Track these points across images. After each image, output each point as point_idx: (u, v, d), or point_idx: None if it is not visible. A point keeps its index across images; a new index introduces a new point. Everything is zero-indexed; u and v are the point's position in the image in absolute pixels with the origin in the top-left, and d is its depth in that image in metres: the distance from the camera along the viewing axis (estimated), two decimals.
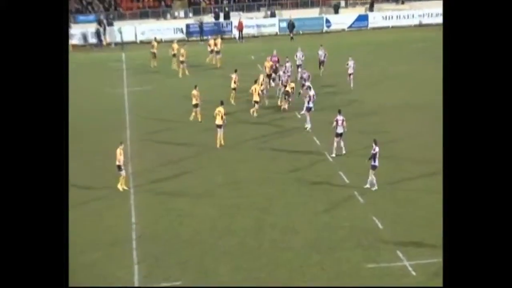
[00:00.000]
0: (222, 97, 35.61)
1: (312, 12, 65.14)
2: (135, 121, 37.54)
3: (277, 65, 43.50)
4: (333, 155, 31.25)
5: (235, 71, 40.10)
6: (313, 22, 63.46)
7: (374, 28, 62.93)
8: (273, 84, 41.96)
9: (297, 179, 29.01)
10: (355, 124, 33.92)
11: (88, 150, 32.77)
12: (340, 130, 31.16)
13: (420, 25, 62.98)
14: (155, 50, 50.20)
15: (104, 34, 59.55)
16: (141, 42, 59.49)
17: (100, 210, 26.38)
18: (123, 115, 38.63)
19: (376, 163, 27.43)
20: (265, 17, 64.45)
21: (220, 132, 32.90)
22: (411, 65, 48.22)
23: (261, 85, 38.79)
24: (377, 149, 27.40)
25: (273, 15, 64.24)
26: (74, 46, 56.53)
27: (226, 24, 62.24)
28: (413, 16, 63.83)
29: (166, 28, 60.71)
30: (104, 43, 59.36)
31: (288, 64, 42.14)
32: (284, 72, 40.65)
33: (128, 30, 60.22)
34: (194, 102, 36.52)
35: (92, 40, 59.26)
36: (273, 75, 42.12)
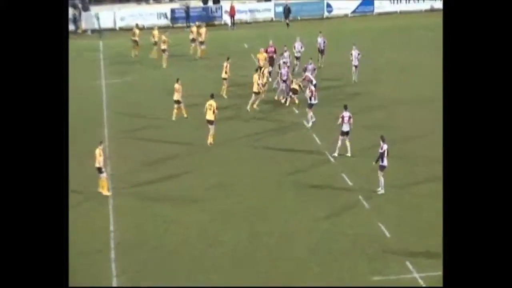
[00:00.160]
0: (211, 90, 35.69)
1: None
2: (114, 117, 37.57)
3: (274, 56, 43.57)
4: (335, 154, 31.43)
5: (227, 59, 40.25)
6: (312, 6, 63.55)
7: (380, 14, 63.07)
8: (269, 78, 41.99)
9: (295, 181, 29.15)
10: (359, 120, 33.98)
11: None
12: (346, 128, 31.27)
13: (432, 10, 63.10)
14: (136, 38, 50.23)
15: (79, 20, 59.56)
16: (121, 29, 59.45)
17: (74, 217, 26.30)
18: (100, 111, 38.69)
19: (385, 163, 27.56)
20: (259, 1, 64.52)
21: (211, 129, 33.05)
22: (421, 55, 48.34)
23: (263, 76, 38.90)
24: (385, 147, 27.52)
25: None
26: None
27: (216, 9, 62.26)
28: (423, 0, 64.07)
29: (149, 13, 60.65)
30: (79, 30, 59.37)
31: (286, 54, 42.26)
32: (284, 63, 40.74)
33: (106, 15, 60.15)
34: (175, 97, 36.51)
35: None
36: (270, 68, 42.06)
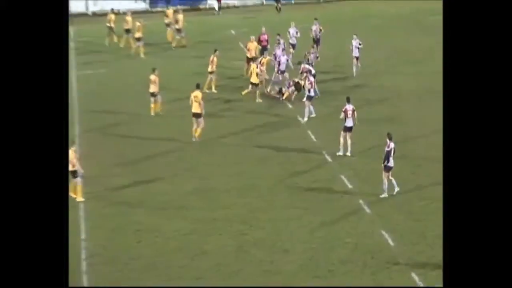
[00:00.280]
0: (193, 82, 35.50)
1: None
2: (85, 113, 37.50)
3: (268, 46, 43.39)
4: (340, 153, 31.32)
5: (215, 51, 39.97)
6: None
7: None
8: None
9: (288, 185, 29.06)
10: (361, 116, 33.86)
11: None
12: (349, 123, 31.07)
13: None
14: (112, 25, 50.07)
15: None
16: (94, 14, 59.41)
17: None
18: (70, 105, 38.44)
19: (391, 163, 27.43)
20: None
21: (197, 123, 32.96)
22: (432, 42, 48.28)
23: (262, 65, 38.70)
24: (392, 145, 27.40)
25: None
26: None
27: None
28: None
29: None
30: None
31: (281, 41, 42.14)
32: (282, 50, 40.57)
33: None
34: (152, 89, 36.37)
35: None
36: (255, 63, 41.72)
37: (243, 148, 32.80)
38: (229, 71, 42.96)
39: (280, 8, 59.87)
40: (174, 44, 49.57)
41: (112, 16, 50.46)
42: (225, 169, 30.69)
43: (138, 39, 47.17)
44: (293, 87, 38.36)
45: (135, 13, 53.32)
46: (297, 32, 45.25)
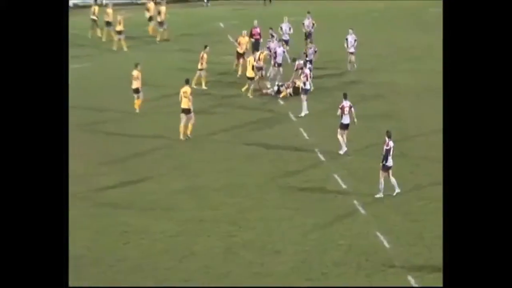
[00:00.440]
0: (180, 76, 35.65)
1: None
2: (70, 109, 37.21)
3: (260, 40, 43.44)
4: (341, 151, 31.51)
5: (205, 47, 40.02)
6: None
7: None
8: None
9: (279, 184, 29.16)
10: (357, 112, 33.92)
11: None
12: (346, 120, 31.22)
13: None
14: (95, 17, 50.08)
15: None
16: (76, 6, 59.29)
17: None
18: None
19: (390, 163, 27.55)
20: None
21: (185, 119, 33.11)
22: (431, 38, 48.39)
23: (260, 60, 38.83)
24: (391, 144, 27.53)
25: None
26: None
27: None
28: None
29: None
30: None
31: (275, 35, 42.24)
32: (279, 41, 40.61)
33: None
34: (135, 86, 36.48)
35: None
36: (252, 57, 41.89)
37: (233, 145, 32.90)
38: (218, 66, 42.99)
39: (270, 1, 59.86)
40: (158, 38, 49.63)
41: (96, 8, 50.51)
42: (214, 167, 30.78)
43: (119, 32, 47.22)
44: (291, 89, 38.51)
45: (119, 5, 53.28)
46: (290, 28, 45.24)
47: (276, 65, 40.27)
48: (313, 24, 46.31)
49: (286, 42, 44.72)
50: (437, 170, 29.39)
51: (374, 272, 23.04)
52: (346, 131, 31.29)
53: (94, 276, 23.21)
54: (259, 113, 36.61)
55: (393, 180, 27.74)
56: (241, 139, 33.56)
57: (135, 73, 36.31)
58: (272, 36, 42.09)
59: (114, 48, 47.34)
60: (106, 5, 50.99)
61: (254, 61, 38.40)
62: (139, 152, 32.32)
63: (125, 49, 46.94)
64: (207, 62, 39.69)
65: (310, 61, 39.98)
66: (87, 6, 53.36)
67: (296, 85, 38.25)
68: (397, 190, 27.78)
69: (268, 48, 41.01)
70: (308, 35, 45.99)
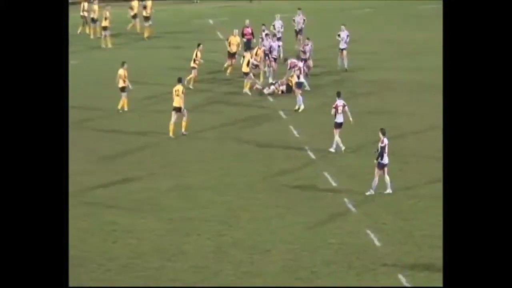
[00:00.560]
0: (169, 74, 35.69)
1: None
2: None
3: (253, 39, 43.32)
4: (332, 149, 31.53)
5: (198, 45, 39.97)
6: None
7: None
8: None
9: (269, 182, 29.21)
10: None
11: None
12: (340, 119, 31.31)
13: None
14: (85, 13, 50.10)
15: None
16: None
17: None
18: None
19: (385, 160, 27.59)
20: None
21: (175, 117, 33.18)
22: (424, 34, 48.43)
23: (256, 55, 38.84)
24: (385, 141, 27.59)
25: None
26: None
27: None
28: None
29: None
30: None
31: (268, 32, 42.14)
32: (273, 36, 40.57)
33: None
34: (121, 84, 36.52)
35: None
36: (249, 53, 41.78)
37: (223, 143, 32.94)
38: (207, 63, 42.90)
39: None
40: (146, 35, 49.62)
41: (85, 4, 50.55)
42: (204, 165, 30.80)
43: (105, 28, 47.21)
44: (284, 87, 38.57)
45: (106, 1, 53.19)
46: (282, 26, 45.10)
47: (272, 60, 40.14)
48: (304, 20, 46.17)
49: (279, 39, 44.60)
50: (427, 168, 29.70)
51: (365, 271, 23.06)
52: (339, 130, 31.38)
53: (82, 275, 23.12)
54: (249, 110, 36.62)
55: (387, 178, 27.78)
56: (231, 137, 33.59)
57: (121, 71, 36.35)
58: (267, 35, 41.91)
59: (103, 45, 47.33)
60: (93, 1, 50.99)
61: (251, 57, 38.45)
62: (128, 150, 32.33)
63: (109, 45, 46.90)
64: (197, 61, 39.64)
65: (309, 59, 39.92)
66: (76, 3, 53.26)
67: (290, 84, 38.29)
68: (389, 191, 27.85)
69: (261, 38, 40.96)
70: (299, 32, 45.91)
